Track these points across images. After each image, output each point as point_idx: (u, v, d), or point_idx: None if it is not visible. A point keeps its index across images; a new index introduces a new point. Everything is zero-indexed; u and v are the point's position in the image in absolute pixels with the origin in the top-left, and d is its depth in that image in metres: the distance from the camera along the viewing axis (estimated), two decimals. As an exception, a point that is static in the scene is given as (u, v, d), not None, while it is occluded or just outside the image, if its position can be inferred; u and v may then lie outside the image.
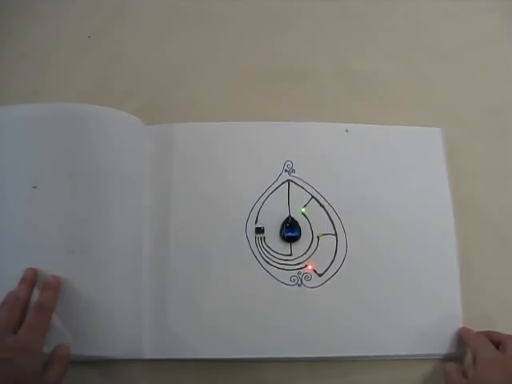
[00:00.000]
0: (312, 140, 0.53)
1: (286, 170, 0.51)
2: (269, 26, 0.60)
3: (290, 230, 0.49)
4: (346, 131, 0.53)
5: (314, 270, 0.48)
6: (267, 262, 0.48)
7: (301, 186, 0.51)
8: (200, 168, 0.51)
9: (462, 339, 0.47)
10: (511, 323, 0.48)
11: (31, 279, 0.43)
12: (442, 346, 0.47)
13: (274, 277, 0.48)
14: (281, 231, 0.49)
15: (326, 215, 0.50)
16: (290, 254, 0.49)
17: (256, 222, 0.50)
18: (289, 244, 0.49)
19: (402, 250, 0.49)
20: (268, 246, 0.49)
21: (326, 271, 0.48)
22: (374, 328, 0.47)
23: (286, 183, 0.51)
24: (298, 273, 0.48)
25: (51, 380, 0.39)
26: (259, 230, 0.49)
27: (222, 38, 0.59)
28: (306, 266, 0.48)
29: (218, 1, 0.60)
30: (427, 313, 0.48)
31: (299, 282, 0.48)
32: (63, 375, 0.40)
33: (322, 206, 0.50)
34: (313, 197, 0.51)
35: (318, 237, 0.49)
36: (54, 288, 0.43)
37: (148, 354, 0.46)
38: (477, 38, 0.60)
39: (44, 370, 0.39)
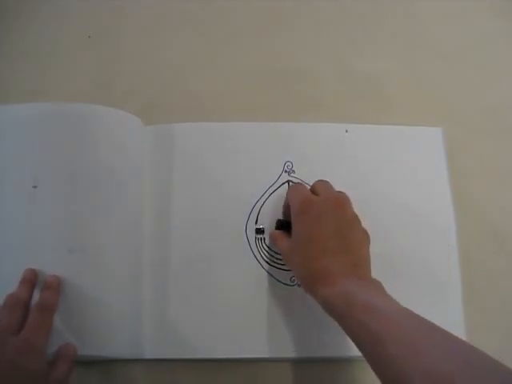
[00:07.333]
0: (312, 140, 0.53)
1: (285, 171, 0.51)
2: (269, 25, 0.60)
3: (290, 231, 0.49)
4: (346, 131, 0.53)
5: (314, 270, 0.48)
6: (267, 262, 0.48)
7: (301, 186, 0.51)
8: (200, 168, 0.51)
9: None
10: (511, 323, 0.48)
11: (31, 280, 0.43)
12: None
13: (274, 277, 0.48)
14: (281, 231, 0.49)
15: (326, 215, 0.50)
16: (290, 254, 0.49)
17: (256, 223, 0.50)
18: (289, 244, 0.49)
19: (401, 250, 0.49)
20: (268, 247, 0.49)
21: (325, 271, 0.48)
22: (373, 328, 0.47)
23: (286, 184, 0.51)
24: (298, 273, 0.48)
25: (58, 378, 0.39)
26: (259, 231, 0.49)
27: (222, 37, 0.59)
28: (306, 266, 0.48)
29: (218, 1, 0.60)
30: (427, 313, 0.48)
31: (299, 283, 0.48)
32: (70, 373, 0.40)
33: (322, 206, 0.50)
34: (313, 197, 0.50)
35: (317, 237, 0.49)
36: (55, 287, 0.43)
37: (148, 354, 0.46)
38: (477, 37, 0.60)
39: (50, 369, 0.39)
